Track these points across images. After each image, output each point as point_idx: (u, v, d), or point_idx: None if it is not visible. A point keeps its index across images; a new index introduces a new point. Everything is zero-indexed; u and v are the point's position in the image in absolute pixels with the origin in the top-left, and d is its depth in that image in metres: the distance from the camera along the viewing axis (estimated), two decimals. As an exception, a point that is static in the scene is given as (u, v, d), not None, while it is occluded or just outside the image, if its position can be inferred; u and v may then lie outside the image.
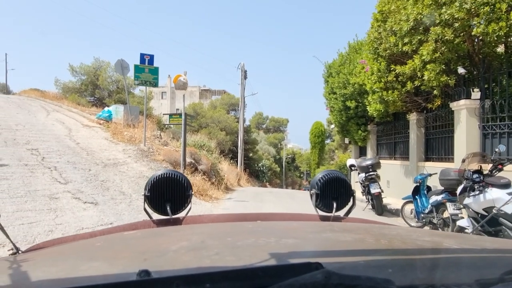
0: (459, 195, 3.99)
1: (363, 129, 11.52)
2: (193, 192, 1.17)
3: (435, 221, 5.25)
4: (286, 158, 44.73)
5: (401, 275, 0.49)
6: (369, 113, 9.86)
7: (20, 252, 0.92)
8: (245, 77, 24.26)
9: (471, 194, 3.68)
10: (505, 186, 3.46)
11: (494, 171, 3.77)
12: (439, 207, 5.17)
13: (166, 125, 13.79)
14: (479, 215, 3.68)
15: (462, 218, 4.38)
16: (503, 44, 6.10)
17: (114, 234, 1.01)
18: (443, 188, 4.98)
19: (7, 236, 0.92)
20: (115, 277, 0.53)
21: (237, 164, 22.13)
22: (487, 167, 3.93)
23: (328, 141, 34.28)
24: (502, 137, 5.79)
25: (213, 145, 15.54)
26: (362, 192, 8.38)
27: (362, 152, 12.87)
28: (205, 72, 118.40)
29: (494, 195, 3.45)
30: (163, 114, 15.17)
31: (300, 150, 53.64)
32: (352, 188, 1.14)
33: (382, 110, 8.74)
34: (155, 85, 10.58)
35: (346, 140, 13.55)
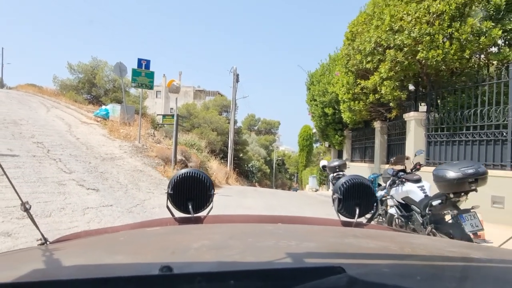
0: (387, 188, 5.08)
1: (339, 134, 12.64)
2: (215, 192, 1.18)
3: (380, 212, 6.34)
4: (277, 160, 45.78)
5: (428, 285, 0.48)
6: (343, 120, 10.98)
7: (48, 242, 0.96)
8: (237, 81, 25.31)
9: (392, 187, 4.77)
10: (417, 181, 4.54)
11: (413, 170, 4.85)
12: (382, 200, 6.27)
13: (160, 124, 14.75)
14: (400, 204, 4.77)
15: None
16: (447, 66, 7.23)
17: (137, 230, 1.03)
18: (385, 184, 6.07)
19: (37, 227, 0.98)
20: (138, 271, 0.54)
21: (227, 163, 23.11)
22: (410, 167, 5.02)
23: (317, 144, 35.44)
24: (441, 145, 6.92)
25: (203, 145, 16.55)
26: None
27: (340, 155, 13.98)
28: (200, 72, 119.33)
29: (408, 188, 4.53)
30: (157, 114, 16.15)
31: (292, 152, 54.69)
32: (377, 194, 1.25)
33: (354, 118, 9.86)
34: (151, 87, 11.58)
35: (326, 144, 14.65)
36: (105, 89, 22.50)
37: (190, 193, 1.12)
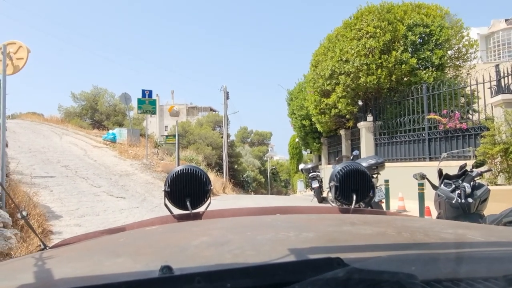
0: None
1: (317, 141, 14.77)
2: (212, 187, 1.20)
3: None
4: (271, 169, 47.78)
5: (425, 269, 0.49)
6: (318, 129, 13.11)
7: (47, 248, 0.96)
8: (227, 98, 27.51)
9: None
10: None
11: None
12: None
13: (162, 143, 16.76)
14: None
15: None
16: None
17: (136, 230, 1.04)
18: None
19: (35, 233, 1.02)
20: (138, 274, 0.55)
21: (223, 175, 25.10)
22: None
23: (308, 151, 37.43)
24: (385, 146, 9.04)
25: (200, 159, 18.59)
26: (310, 188, 11.52)
27: (320, 159, 16.09)
28: (191, 87, 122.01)
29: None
30: (161, 135, 18.18)
31: (286, 161, 56.63)
32: (372, 180, 1.17)
33: (324, 128, 11.99)
34: (154, 112, 13.67)
35: (308, 151, 16.76)
36: (106, 114, 24.52)
37: (187, 190, 1.14)
